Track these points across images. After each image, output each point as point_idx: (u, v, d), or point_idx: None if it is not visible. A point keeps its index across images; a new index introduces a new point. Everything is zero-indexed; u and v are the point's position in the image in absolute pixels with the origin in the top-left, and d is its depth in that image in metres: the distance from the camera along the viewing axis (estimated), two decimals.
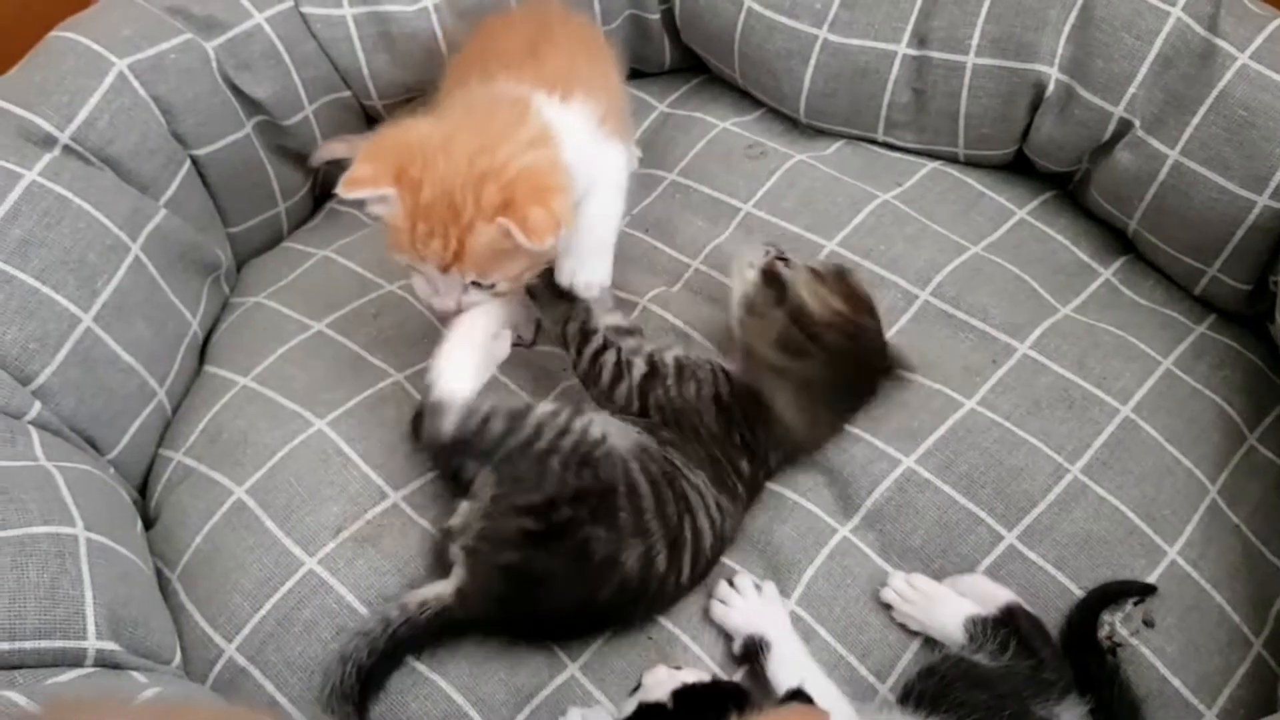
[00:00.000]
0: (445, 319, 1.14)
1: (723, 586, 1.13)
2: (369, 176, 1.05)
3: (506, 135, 1.08)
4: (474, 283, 1.09)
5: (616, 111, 1.27)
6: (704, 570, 1.15)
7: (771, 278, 1.17)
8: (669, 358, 1.17)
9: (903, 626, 1.12)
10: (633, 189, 1.28)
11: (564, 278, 1.16)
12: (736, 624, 1.11)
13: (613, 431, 1.12)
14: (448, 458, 1.12)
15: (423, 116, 1.13)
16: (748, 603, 1.12)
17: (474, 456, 1.10)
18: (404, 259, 1.09)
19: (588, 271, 1.16)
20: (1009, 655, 1.04)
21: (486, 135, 1.07)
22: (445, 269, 1.07)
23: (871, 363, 1.20)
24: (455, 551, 1.09)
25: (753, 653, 1.09)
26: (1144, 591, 1.13)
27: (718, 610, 1.12)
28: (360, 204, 1.11)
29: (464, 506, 1.11)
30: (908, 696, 1.01)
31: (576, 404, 1.15)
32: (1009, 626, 1.07)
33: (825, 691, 1.05)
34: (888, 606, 1.13)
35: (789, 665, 1.07)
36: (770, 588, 1.13)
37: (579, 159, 1.13)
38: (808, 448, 1.21)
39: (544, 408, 1.12)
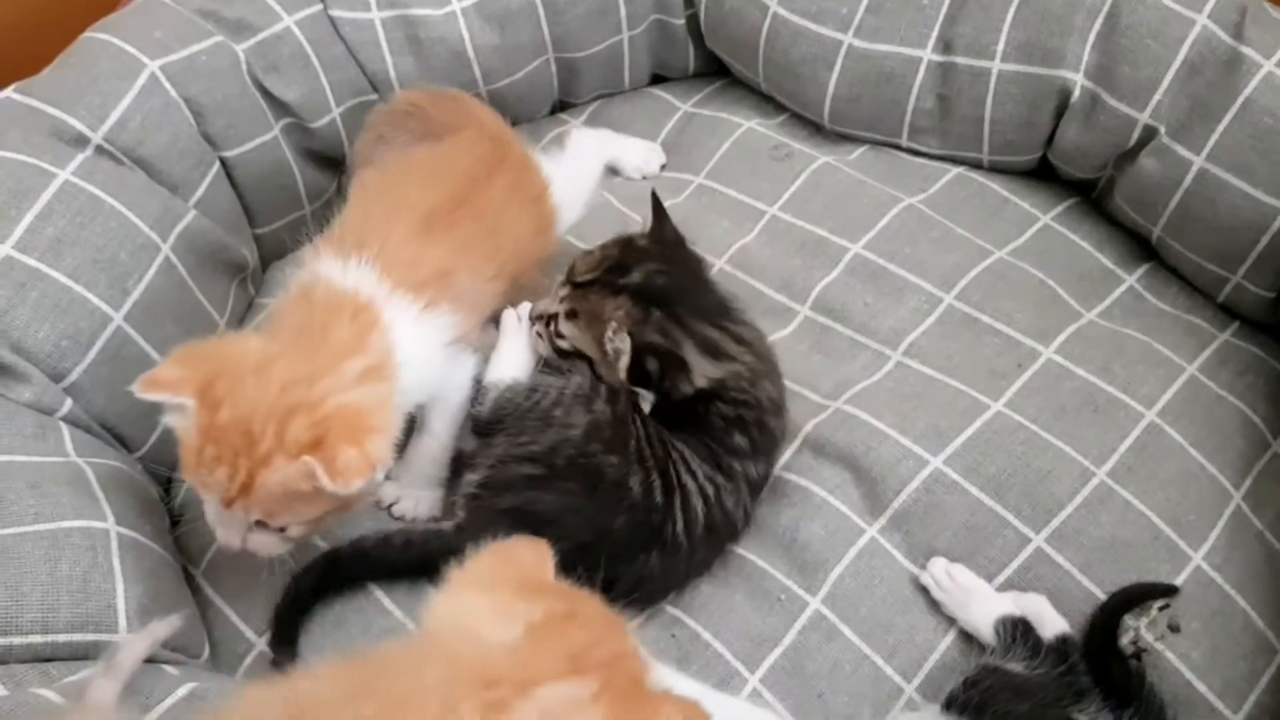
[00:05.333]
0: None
1: None
2: (171, 380, 0.95)
3: (334, 365, 1.00)
4: (259, 521, 0.99)
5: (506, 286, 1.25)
6: (703, 537, 1.13)
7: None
8: None
9: (935, 617, 1.13)
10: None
11: (403, 511, 1.18)
12: None
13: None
14: (482, 434, 1.16)
15: (254, 334, 1.08)
16: None
17: (499, 428, 1.14)
18: (188, 481, 0.99)
19: (425, 506, 1.19)
20: (1040, 659, 1.04)
21: (312, 362, 0.99)
22: (229, 503, 0.96)
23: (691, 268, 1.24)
24: (458, 503, 1.12)
25: None
26: (1166, 593, 1.13)
27: None
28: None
29: (467, 477, 1.14)
30: (952, 703, 1.01)
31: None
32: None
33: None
34: (925, 590, 1.14)
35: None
36: None
37: (421, 381, 1.10)
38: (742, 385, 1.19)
39: (550, 378, 1.17)
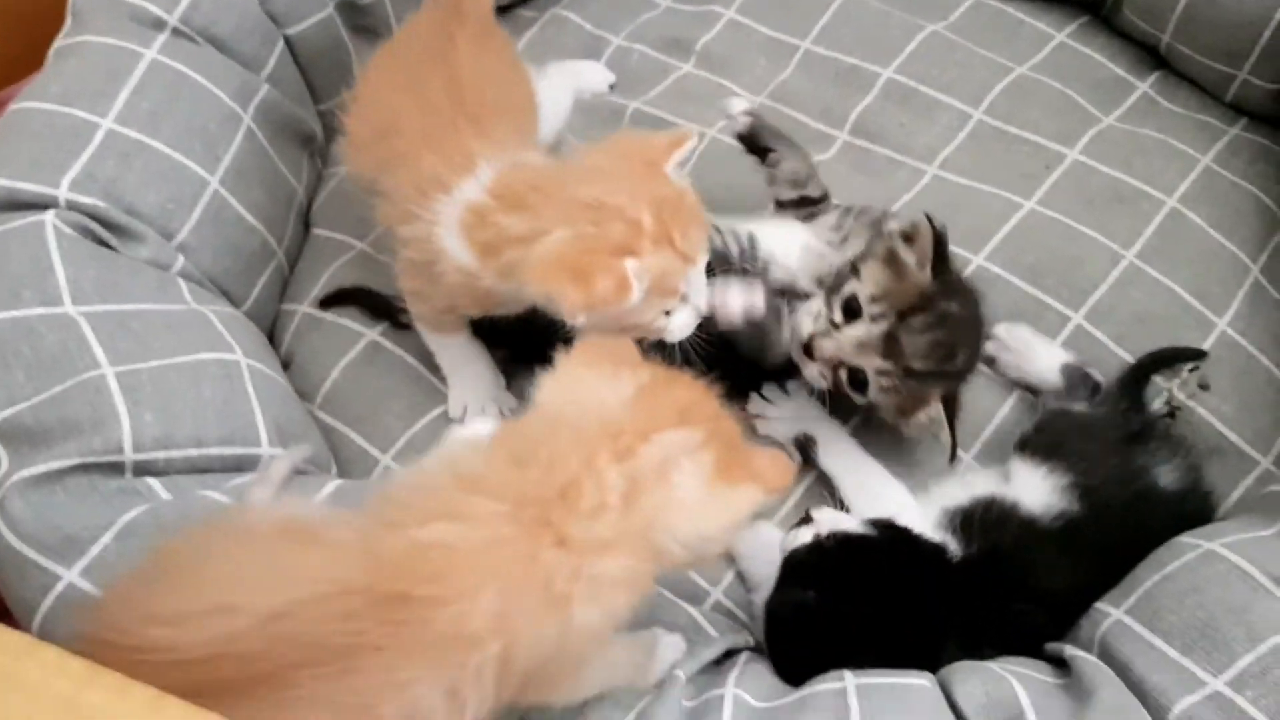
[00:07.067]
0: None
1: (754, 401, 1.23)
2: (616, 282, 0.95)
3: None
4: None
5: None
6: None
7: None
8: None
9: (991, 390, 1.24)
10: None
11: None
12: (782, 432, 1.21)
13: None
14: None
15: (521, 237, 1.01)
16: (781, 409, 1.22)
17: None
18: (681, 285, 1.03)
19: None
20: (1100, 399, 1.17)
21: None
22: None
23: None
24: None
25: (804, 450, 1.19)
26: (1193, 356, 1.24)
27: (760, 426, 1.21)
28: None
29: None
30: (1025, 446, 1.13)
31: None
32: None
33: (874, 473, 1.16)
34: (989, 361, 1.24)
35: (835, 454, 1.18)
36: (793, 386, 1.22)
37: None
38: None
39: None
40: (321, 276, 1.38)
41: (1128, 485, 1.10)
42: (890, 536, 1.04)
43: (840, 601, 0.98)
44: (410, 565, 0.74)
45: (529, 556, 0.75)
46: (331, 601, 0.72)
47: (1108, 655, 0.96)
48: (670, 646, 1.00)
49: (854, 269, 1.11)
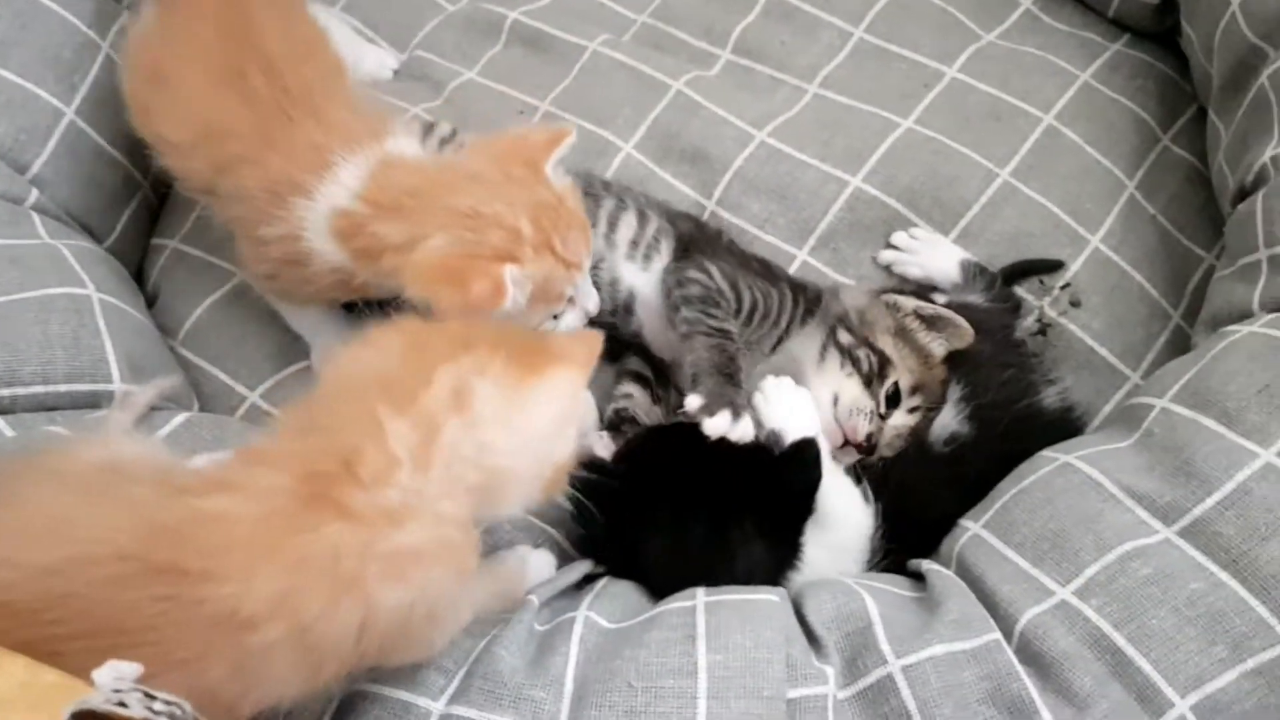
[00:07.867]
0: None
1: None
2: (492, 286, 0.93)
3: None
4: None
5: None
6: None
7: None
8: None
9: None
10: None
11: None
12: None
13: None
14: None
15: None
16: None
17: None
18: (567, 290, 1.02)
19: None
20: (994, 293, 1.20)
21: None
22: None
23: None
24: None
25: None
26: (1051, 268, 1.25)
27: None
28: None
29: None
30: None
31: None
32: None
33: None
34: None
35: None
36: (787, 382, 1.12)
37: None
38: None
39: None
40: (193, 211, 1.34)
41: (1016, 401, 1.11)
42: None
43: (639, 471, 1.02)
44: (186, 536, 0.70)
45: (310, 533, 0.71)
46: (102, 565, 0.68)
47: (964, 569, 0.97)
48: (538, 565, 1.00)
49: (877, 352, 1.12)
